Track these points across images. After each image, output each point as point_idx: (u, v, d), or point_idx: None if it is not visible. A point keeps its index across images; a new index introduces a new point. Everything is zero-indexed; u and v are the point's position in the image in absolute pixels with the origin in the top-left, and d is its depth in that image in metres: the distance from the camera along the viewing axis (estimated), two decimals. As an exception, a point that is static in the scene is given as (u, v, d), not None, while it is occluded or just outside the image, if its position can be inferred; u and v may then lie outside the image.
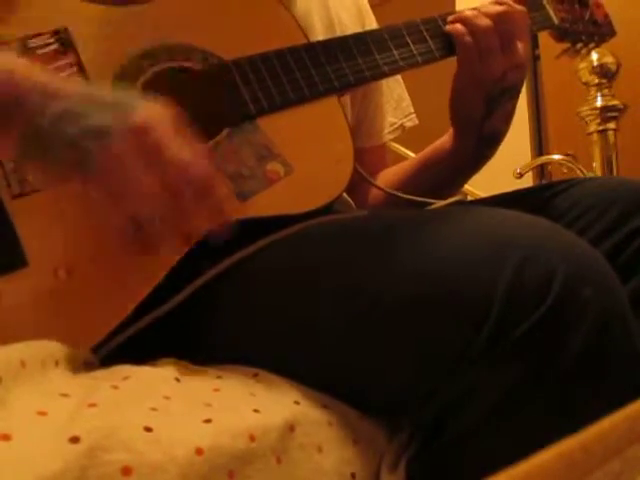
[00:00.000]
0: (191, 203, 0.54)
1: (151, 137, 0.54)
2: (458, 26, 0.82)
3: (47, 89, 0.55)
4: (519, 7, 0.83)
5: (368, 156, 0.98)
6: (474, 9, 0.83)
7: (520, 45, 0.82)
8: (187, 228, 0.56)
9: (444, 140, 0.93)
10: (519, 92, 0.87)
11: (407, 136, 1.09)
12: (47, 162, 0.55)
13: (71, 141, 0.54)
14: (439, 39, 0.83)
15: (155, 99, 0.57)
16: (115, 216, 0.55)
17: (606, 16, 1.01)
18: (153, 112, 0.55)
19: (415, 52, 0.81)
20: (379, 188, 0.91)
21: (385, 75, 0.81)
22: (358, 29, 0.95)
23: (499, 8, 0.82)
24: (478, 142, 0.88)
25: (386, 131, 1.03)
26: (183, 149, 0.55)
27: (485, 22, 0.81)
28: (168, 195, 0.53)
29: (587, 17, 0.98)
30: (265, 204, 0.67)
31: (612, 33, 1.02)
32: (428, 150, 0.96)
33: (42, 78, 0.56)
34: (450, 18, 0.84)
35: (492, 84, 0.82)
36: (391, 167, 1.03)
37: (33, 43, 0.65)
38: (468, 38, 0.81)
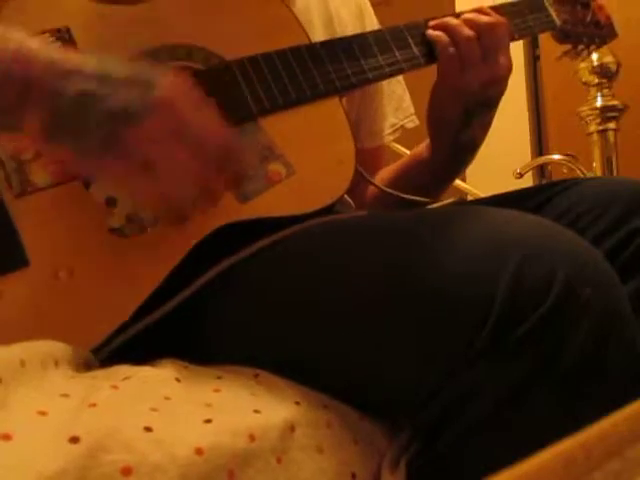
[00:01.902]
0: (221, 169, 0.57)
1: (177, 111, 0.54)
2: (441, 35, 0.81)
3: (61, 67, 0.55)
4: (501, 18, 0.83)
5: (366, 156, 0.98)
6: (457, 16, 0.83)
7: (501, 58, 0.82)
8: (216, 194, 0.58)
9: (422, 147, 0.93)
10: (497, 103, 0.87)
11: (408, 137, 1.09)
12: (73, 143, 0.55)
13: (97, 124, 0.54)
14: (424, 46, 0.83)
15: (170, 70, 0.57)
16: (149, 192, 0.56)
17: (608, 18, 1.01)
18: (174, 84, 0.56)
19: (417, 53, 0.81)
20: (380, 188, 0.91)
21: (386, 76, 0.81)
22: (357, 27, 0.95)
23: (484, 18, 0.81)
24: (455, 150, 0.88)
25: (387, 132, 1.03)
26: (208, 117, 0.56)
27: (468, 32, 0.80)
28: (200, 165, 0.55)
29: (589, 19, 0.98)
30: (267, 205, 0.67)
31: (613, 35, 1.02)
32: (407, 157, 0.97)
33: (55, 56, 0.56)
34: (432, 24, 0.83)
35: (471, 95, 0.82)
36: (380, 170, 1.03)
37: None
38: (451, 49, 0.80)
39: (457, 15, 0.83)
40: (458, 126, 0.85)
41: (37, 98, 0.54)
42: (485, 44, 0.80)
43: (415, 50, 0.82)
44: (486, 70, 0.81)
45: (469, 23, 0.81)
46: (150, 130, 0.54)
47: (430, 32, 0.82)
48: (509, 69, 0.83)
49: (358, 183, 0.80)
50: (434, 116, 0.87)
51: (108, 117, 0.54)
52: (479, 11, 0.83)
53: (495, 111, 0.87)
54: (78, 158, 0.56)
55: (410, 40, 0.82)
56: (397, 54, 0.81)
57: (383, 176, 1.00)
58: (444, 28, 0.82)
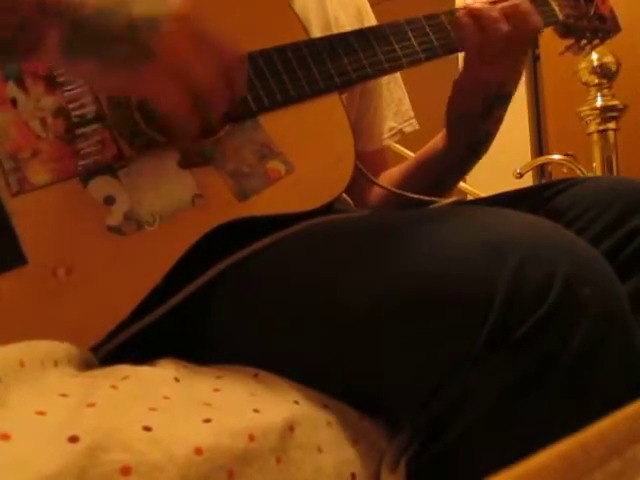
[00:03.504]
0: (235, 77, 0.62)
1: (197, 21, 0.58)
2: (470, 24, 0.81)
3: None
4: (536, 17, 0.83)
5: (367, 159, 0.98)
6: (489, 2, 0.82)
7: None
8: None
9: (436, 141, 0.93)
10: (511, 98, 0.88)
11: (409, 139, 1.08)
12: (97, 57, 0.57)
13: (119, 36, 0.56)
14: (442, 36, 0.83)
15: None
16: (174, 97, 0.59)
17: (611, 11, 1.00)
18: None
19: (418, 48, 0.81)
20: (380, 186, 0.91)
21: (386, 72, 0.81)
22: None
23: (518, 4, 0.81)
24: (470, 143, 0.89)
25: (385, 135, 1.02)
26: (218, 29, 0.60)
27: (501, 24, 0.80)
28: (220, 71, 0.59)
29: (592, 12, 0.97)
30: (266, 203, 0.67)
31: (617, 29, 1.01)
32: (422, 150, 0.96)
33: None
34: (461, 12, 0.82)
35: (493, 87, 0.83)
36: (389, 170, 1.02)
37: None
38: (478, 35, 0.80)
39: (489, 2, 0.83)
40: (478, 119, 0.86)
41: (53, 11, 0.55)
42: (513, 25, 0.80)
43: (434, 40, 0.82)
44: (506, 64, 0.82)
45: (502, 10, 0.81)
46: (174, 38, 0.57)
47: (461, 19, 0.82)
48: (524, 64, 0.85)
49: (358, 182, 0.80)
50: (455, 109, 0.88)
51: (131, 28, 0.56)
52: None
53: (508, 106, 0.88)
54: (104, 70, 0.57)
55: (428, 29, 0.82)
56: (397, 49, 0.80)
57: (392, 175, 1.00)
58: (473, 15, 0.81)
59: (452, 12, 0.84)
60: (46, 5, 0.55)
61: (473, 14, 0.81)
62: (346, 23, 0.95)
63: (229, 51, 0.61)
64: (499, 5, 0.81)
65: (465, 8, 0.83)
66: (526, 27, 0.81)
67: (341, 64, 0.76)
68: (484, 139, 0.89)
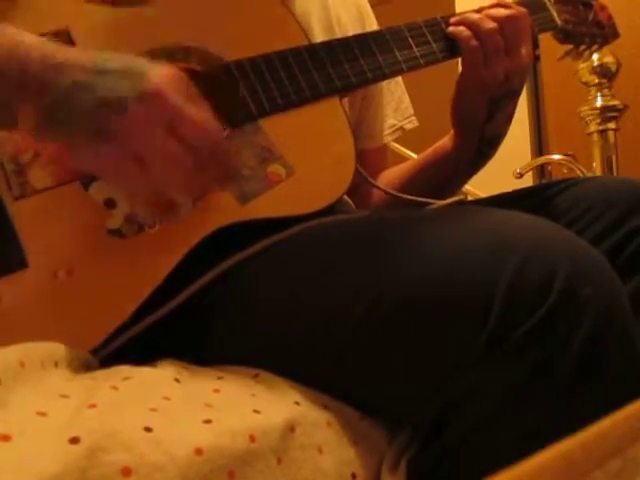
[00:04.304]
0: (210, 160, 0.56)
1: (167, 101, 0.54)
2: (463, 29, 0.82)
3: (54, 61, 0.55)
4: (522, 9, 0.84)
5: (369, 157, 0.98)
6: (478, 11, 0.83)
7: (523, 48, 0.82)
8: (205, 186, 0.59)
9: (444, 141, 0.93)
10: (520, 93, 0.87)
11: (408, 137, 1.08)
12: (66, 134, 0.56)
13: (88, 113, 0.54)
14: (442, 41, 0.83)
15: (165, 64, 0.57)
16: (139, 182, 0.56)
17: (610, 18, 1.01)
18: (163, 75, 0.55)
19: (417, 54, 0.81)
20: (380, 189, 0.91)
21: (386, 77, 0.81)
22: (358, 30, 0.95)
23: (505, 11, 0.82)
24: (480, 143, 0.88)
25: (386, 133, 1.03)
26: (200, 112, 0.56)
27: (491, 25, 0.81)
28: (189, 155, 0.55)
29: (591, 19, 0.98)
30: (266, 206, 0.67)
31: (615, 35, 1.02)
32: (428, 152, 0.96)
33: (48, 49, 0.56)
34: (452, 20, 0.83)
35: (496, 87, 0.83)
36: (391, 169, 1.03)
37: None
38: (474, 42, 0.81)
39: (478, 11, 0.83)
40: (484, 119, 0.86)
41: (32, 93, 0.54)
42: (507, 35, 0.81)
43: (434, 46, 0.82)
44: (509, 61, 0.81)
45: (490, 16, 0.82)
46: (140, 119, 0.54)
47: (452, 28, 0.83)
48: (530, 58, 0.84)
49: (360, 184, 0.80)
50: (460, 110, 0.88)
51: (98, 106, 0.54)
52: (499, 5, 0.83)
53: (517, 100, 0.88)
54: (72, 150, 0.56)
55: (429, 37, 0.82)
56: (398, 54, 0.81)
57: (394, 175, 1.00)
58: (465, 23, 0.82)
59: (447, 19, 0.84)
60: (27, 88, 0.54)
61: (467, 24, 0.82)
62: (348, 23, 0.95)
63: (208, 136, 0.56)
64: (494, 13, 0.82)
65: (458, 18, 0.83)
66: (520, 39, 0.82)
67: (342, 69, 0.76)
68: (495, 138, 0.89)
